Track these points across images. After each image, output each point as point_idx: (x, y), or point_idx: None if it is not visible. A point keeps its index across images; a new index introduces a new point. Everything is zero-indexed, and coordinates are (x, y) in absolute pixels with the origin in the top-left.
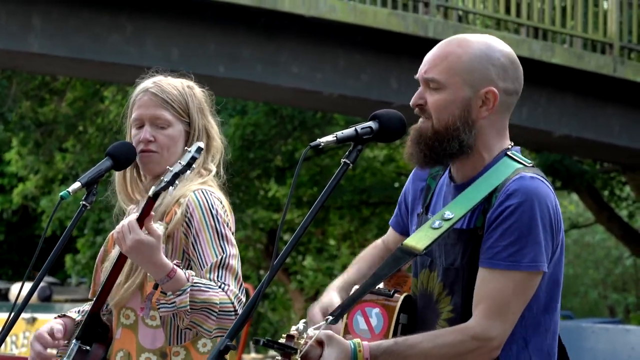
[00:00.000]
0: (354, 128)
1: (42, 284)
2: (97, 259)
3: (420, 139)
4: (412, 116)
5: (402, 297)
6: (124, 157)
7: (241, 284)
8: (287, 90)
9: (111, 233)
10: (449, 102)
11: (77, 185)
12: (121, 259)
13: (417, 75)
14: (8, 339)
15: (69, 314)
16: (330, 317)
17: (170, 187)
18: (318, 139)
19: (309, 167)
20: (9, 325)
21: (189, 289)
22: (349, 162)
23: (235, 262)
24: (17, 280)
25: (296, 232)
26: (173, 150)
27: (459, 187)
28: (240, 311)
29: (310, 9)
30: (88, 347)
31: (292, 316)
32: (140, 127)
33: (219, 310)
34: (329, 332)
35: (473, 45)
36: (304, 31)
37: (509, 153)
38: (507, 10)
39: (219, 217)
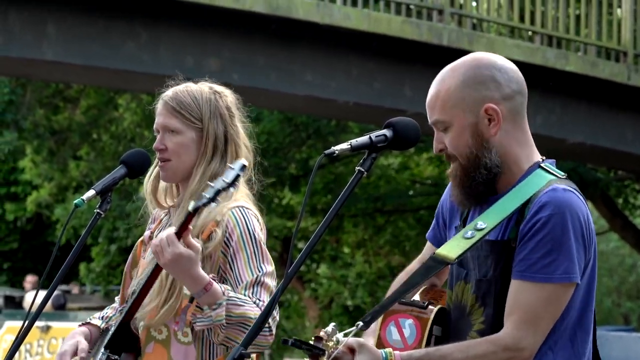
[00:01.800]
0: (368, 136)
1: (56, 292)
2: (126, 267)
3: (457, 182)
4: (426, 124)
5: (435, 309)
6: (138, 165)
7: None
8: (301, 98)
9: (140, 239)
10: (460, 134)
11: (91, 193)
12: (155, 271)
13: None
14: (22, 347)
15: (92, 321)
16: (361, 323)
17: (213, 203)
18: (332, 147)
19: (323, 174)
20: (23, 333)
21: (225, 303)
22: (363, 170)
23: (271, 280)
24: (32, 288)
25: (310, 240)
26: (185, 157)
27: (493, 200)
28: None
29: (325, 16)
30: (117, 357)
31: (307, 324)
32: (158, 135)
33: None
34: (361, 339)
35: (457, 72)
36: (318, 39)
37: (542, 165)
38: (521, 18)
39: (256, 236)
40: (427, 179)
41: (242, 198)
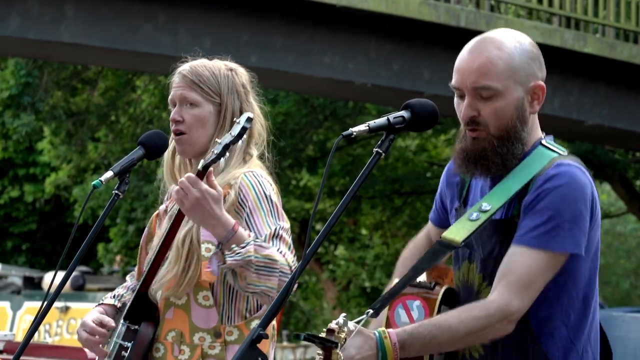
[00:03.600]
0: (386, 117)
1: (75, 273)
2: (141, 241)
3: (485, 151)
4: (444, 106)
5: (443, 290)
6: (156, 147)
7: (295, 255)
8: (320, 80)
9: (155, 214)
10: (507, 106)
11: (109, 174)
12: (170, 235)
13: (460, 86)
14: (41, 327)
15: (106, 301)
16: (371, 311)
17: (222, 159)
18: (350, 129)
19: (341, 156)
20: (42, 313)
21: (252, 242)
22: (381, 151)
23: (288, 235)
24: (50, 269)
25: (328, 221)
26: (202, 130)
27: (496, 179)
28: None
29: None
30: (137, 327)
31: (324, 305)
32: (174, 107)
33: (280, 271)
34: (359, 326)
35: (507, 43)
36: (337, 21)
37: (543, 142)
38: (540, 0)
39: (271, 197)
40: (445, 161)
41: (256, 167)
